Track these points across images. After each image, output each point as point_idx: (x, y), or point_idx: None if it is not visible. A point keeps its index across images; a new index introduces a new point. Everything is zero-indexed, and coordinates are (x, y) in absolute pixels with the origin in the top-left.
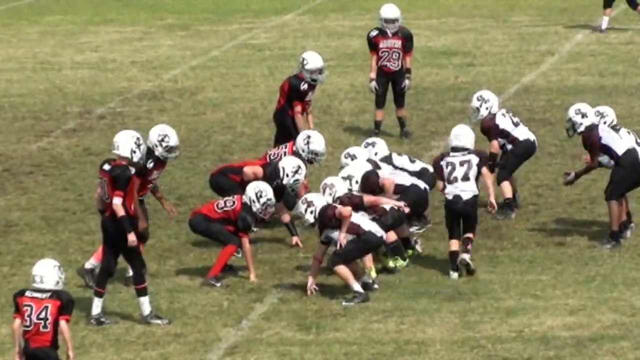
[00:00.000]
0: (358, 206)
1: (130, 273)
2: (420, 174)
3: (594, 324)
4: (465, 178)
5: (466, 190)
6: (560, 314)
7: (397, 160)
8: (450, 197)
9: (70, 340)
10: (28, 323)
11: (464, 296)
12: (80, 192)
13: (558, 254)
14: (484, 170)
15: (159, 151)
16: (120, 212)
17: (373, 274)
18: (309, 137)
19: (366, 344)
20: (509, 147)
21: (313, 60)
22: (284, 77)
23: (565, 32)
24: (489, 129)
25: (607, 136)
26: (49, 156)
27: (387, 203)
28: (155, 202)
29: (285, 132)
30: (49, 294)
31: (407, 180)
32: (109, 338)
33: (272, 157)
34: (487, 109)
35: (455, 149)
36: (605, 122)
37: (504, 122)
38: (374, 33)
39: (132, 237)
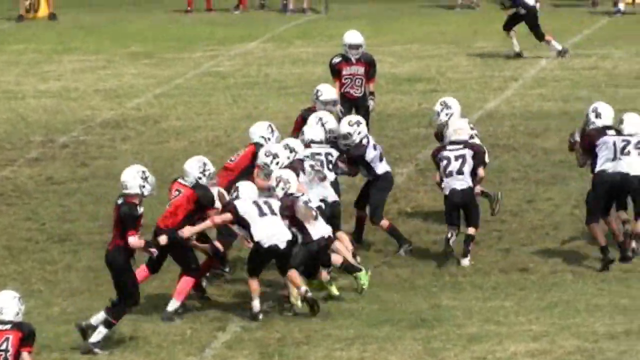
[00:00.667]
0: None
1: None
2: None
3: (557, 350)
4: (460, 172)
5: (461, 181)
6: (524, 340)
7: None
8: (447, 191)
9: None
10: None
11: (426, 323)
12: (43, 221)
13: (521, 280)
14: (480, 170)
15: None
16: (140, 244)
17: (334, 290)
18: (320, 118)
19: None
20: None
21: (327, 92)
22: (247, 105)
23: (528, 58)
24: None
25: (603, 148)
26: (12, 185)
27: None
28: None
29: None
30: (9, 326)
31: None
32: None
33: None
34: (447, 115)
35: (453, 143)
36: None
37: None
38: (337, 60)
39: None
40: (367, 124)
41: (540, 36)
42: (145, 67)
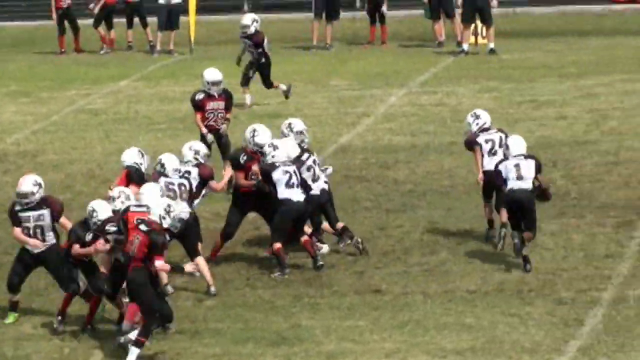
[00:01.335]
0: None
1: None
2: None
3: None
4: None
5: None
6: (378, 357)
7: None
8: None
9: None
10: None
11: (287, 341)
12: None
13: (375, 300)
14: None
15: None
16: (167, 268)
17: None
18: (254, 130)
19: None
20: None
21: (297, 124)
22: (118, 140)
23: (380, 95)
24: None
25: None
26: None
27: None
28: None
29: None
30: None
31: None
32: None
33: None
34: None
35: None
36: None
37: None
38: (201, 96)
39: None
40: (227, 151)
41: (268, 85)
42: (23, 105)
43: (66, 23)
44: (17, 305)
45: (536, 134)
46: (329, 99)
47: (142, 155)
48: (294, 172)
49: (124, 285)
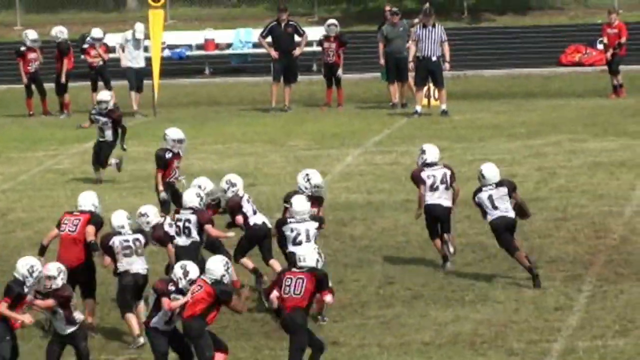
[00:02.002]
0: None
1: None
2: None
3: None
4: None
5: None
6: None
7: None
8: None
9: None
10: None
11: None
12: None
13: (333, 352)
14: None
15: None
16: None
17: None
18: (307, 174)
19: None
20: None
21: (315, 176)
22: None
23: (336, 155)
24: (234, 207)
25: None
26: None
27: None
28: None
29: None
30: None
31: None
32: None
33: None
34: (233, 192)
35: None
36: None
37: (247, 206)
38: (169, 155)
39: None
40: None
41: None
42: None
43: (33, 87)
44: None
45: None
46: (287, 158)
47: (98, 200)
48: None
49: None
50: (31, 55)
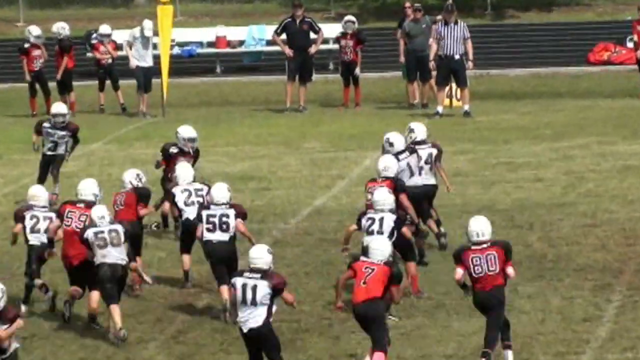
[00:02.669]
0: None
1: None
2: None
3: None
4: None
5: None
6: None
7: None
8: None
9: None
10: None
11: None
12: None
13: None
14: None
15: None
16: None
17: None
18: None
19: None
20: None
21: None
22: None
23: (354, 157)
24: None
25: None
26: None
27: None
28: None
29: None
30: None
31: None
32: None
33: None
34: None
35: None
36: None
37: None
38: (175, 150)
39: None
40: None
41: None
42: None
43: (37, 86)
44: None
45: (512, 196)
46: (303, 161)
47: (100, 188)
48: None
49: None
50: (35, 52)
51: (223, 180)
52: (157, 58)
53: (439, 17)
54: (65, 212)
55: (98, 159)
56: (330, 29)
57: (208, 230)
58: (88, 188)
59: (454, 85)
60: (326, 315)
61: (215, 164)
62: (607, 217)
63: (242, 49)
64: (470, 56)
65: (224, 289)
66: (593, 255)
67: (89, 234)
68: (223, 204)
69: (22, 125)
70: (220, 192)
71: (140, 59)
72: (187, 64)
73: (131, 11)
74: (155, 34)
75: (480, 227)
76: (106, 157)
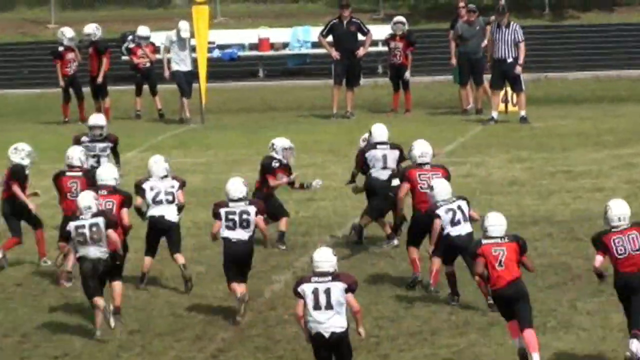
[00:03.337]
0: None
1: None
2: None
3: None
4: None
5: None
6: None
7: None
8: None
9: None
10: None
11: None
12: None
13: None
14: None
15: None
16: None
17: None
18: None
19: None
20: None
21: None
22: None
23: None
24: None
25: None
26: None
27: None
28: None
29: None
30: None
31: None
32: None
33: None
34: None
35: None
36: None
37: None
38: (277, 164)
39: None
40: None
41: None
42: None
43: (71, 91)
44: None
45: (571, 207)
46: (350, 170)
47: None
48: None
49: None
50: (69, 56)
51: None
52: (194, 61)
53: (493, 18)
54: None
55: (133, 168)
56: (379, 31)
57: (228, 228)
58: (108, 172)
59: (509, 89)
60: (374, 332)
61: (257, 173)
62: None
63: (286, 51)
64: (521, 60)
65: (236, 286)
66: None
67: (71, 226)
68: (240, 199)
69: (53, 133)
70: (237, 187)
71: (180, 62)
72: (227, 67)
73: (169, 12)
74: (193, 35)
75: (622, 211)
76: (142, 167)
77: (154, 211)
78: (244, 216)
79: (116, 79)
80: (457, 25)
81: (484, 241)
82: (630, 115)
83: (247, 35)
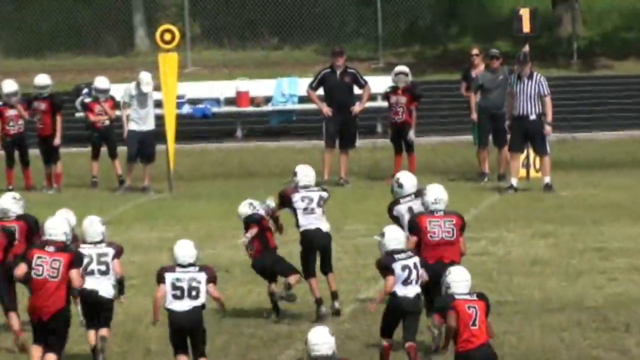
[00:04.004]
0: None
1: None
2: None
3: None
4: None
5: None
6: None
7: None
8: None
9: None
10: None
11: None
12: None
13: None
14: None
15: None
16: None
17: None
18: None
19: None
20: None
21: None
22: None
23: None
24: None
25: None
26: None
27: None
28: None
29: None
30: None
31: None
32: None
33: None
34: None
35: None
36: None
37: None
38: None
39: None
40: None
41: None
42: None
43: (16, 154)
44: None
45: (605, 291)
46: (344, 247)
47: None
48: None
49: None
50: (9, 112)
51: (244, 274)
52: (161, 119)
53: (516, 66)
54: (34, 259)
55: None
56: (379, 83)
57: (175, 297)
58: (59, 226)
59: (531, 152)
60: None
61: (235, 250)
62: None
63: (269, 107)
64: (549, 117)
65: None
66: None
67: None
68: (190, 264)
69: None
70: (186, 250)
71: (139, 120)
72: (200, 126)
73: (131, 60)
74: (156, 88)
75: None
76: None
77: (86, 284)
78: (193, 284)
79: (69, 140)
80: (477, 74)
81: (457, 296)
82: None
83: (223, 88)
